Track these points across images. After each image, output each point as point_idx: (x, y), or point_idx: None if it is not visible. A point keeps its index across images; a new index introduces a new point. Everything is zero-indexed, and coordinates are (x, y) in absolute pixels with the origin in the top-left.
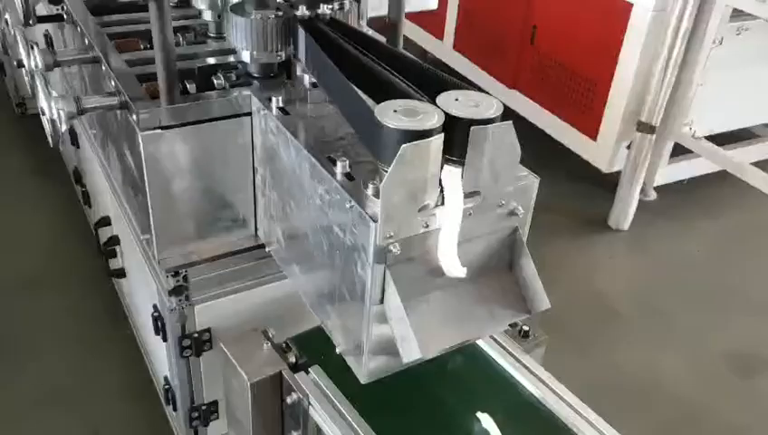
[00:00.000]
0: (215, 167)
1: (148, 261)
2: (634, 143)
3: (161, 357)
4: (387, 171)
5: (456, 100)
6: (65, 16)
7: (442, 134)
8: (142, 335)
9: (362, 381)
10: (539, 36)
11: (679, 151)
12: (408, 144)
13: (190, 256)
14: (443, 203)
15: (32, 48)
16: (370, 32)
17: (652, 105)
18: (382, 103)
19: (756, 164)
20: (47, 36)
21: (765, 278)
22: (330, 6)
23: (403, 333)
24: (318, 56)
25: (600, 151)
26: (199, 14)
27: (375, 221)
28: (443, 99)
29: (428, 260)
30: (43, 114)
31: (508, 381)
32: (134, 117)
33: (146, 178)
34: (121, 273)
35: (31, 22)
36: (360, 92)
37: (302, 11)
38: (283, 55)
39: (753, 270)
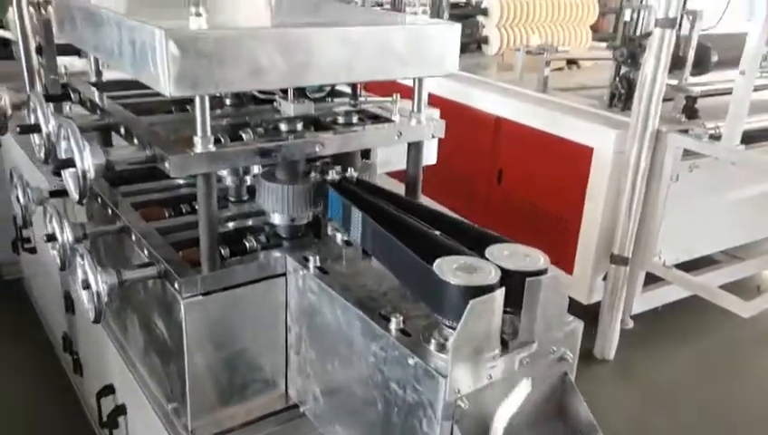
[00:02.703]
0: (250, 328)
1: (171, 431)
2: (610, 274)
3: None
4: (448, 325)
5: (505, 253)
6: None
7: (503, 288)
8: None
9: None
10: (506, 180)
11: (650, 280)
12: (476, 299)
13: (222, 423)
14: (502, 354)
15: (63, 222)
16: None
17: (623, 238)
18: (437, 261)
19: (723, 287)
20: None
21: (748, 396)
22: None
23: None
24: (361, 219)
25: (578, 284)
26: (219, 179)
27: (444, 376)
28: (492, 253)
29: (486, 413)
30: (86, 288)
31: None
32: (176, 285)
33: (185, 345)
34: None
35: (85, 200)
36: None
37: (332, 175)
38: (311, 216)
39: (735, 388)
